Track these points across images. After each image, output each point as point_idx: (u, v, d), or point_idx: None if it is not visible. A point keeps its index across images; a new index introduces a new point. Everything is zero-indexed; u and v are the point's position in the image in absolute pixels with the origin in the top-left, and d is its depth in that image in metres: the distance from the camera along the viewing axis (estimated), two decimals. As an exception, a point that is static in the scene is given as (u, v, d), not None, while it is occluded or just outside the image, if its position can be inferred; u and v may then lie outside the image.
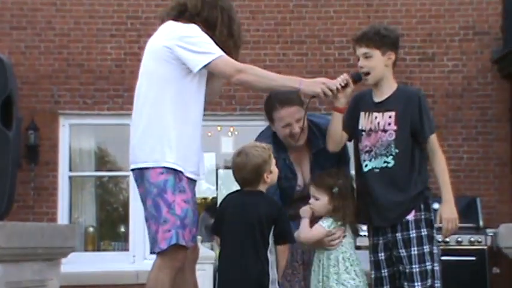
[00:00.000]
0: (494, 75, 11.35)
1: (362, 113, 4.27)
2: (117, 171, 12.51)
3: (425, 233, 4.38)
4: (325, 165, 5.11)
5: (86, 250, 11.43)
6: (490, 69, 11.44)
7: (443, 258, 10.18)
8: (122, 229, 11.95)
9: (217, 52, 4.77)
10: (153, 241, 4.84)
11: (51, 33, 11.43)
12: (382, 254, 4.35)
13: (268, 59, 11.33)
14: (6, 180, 4.85)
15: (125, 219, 11.81)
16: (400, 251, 4.32)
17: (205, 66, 4.77)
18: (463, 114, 11.54)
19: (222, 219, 4.77)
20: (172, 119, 4.86)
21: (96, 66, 11.45)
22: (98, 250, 11.83)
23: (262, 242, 4.58)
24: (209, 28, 4.95)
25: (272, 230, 4.63)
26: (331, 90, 4.63)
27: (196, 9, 4.97)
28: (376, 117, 4.27)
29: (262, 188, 4.66)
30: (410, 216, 4.28)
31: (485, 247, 10.12)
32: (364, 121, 4.28)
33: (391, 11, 11.40)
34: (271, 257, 4.60)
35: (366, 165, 4.25)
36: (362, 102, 4.34)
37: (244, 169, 4.66)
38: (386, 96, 4.34)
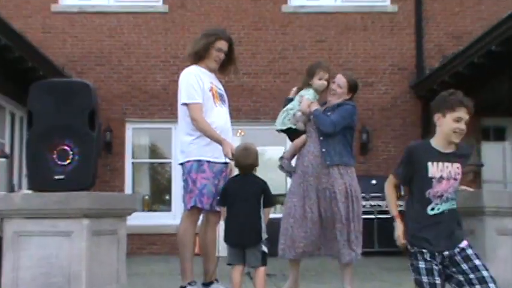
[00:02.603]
0: (411, 96, 13.66)
1: (429, 163, 3.96)
2: (163, 159, 14.11)
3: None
4: (326, 111, 5.80)
5: (143, 211, 12.87)
6: (408, 92, 13.69)
7: (381, 216, 12.21)
8: (167, 197, 13.46)
9: (191, 99, 5.53)
10: (184, 203, 5.62)
11: (121, 68, 13.61)
12: (438, 278, 3.99)
13: (264, 85, 13.25)
14: (91, 164, 4.80)
15: (168, 190, 13.49)
16: (463, 265, 3.99)
17: (185, 104, 5.56)
18: (391, 122, 13.61)
19: (226, 195, 5.29)
20: (193, 130, 5.61)
21: (150, 90, 13.52)
22: (151, 211, 13.36)
23: (258, 205, 5.19)
24: (203, 56, 5.71)
25: (262, 198, 5.23)
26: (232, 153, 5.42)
27: (191, 52, 5.78)
28: (447, 167, 3.99)
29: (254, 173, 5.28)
30: (465, 244, 4.01)
31: (404, 208, 10.52)
32: (434, 169, 3.98)
33: (345, 53, 13.70)
34: (263, 215, 5.22)
35: (439, 208, 3.95)
36: (425, 154, 4.00)
37: (249, 158, 5.30)
38: (453, 149, 4.05)
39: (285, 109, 5.92)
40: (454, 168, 4.04)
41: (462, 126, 3.99)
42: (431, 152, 4.01)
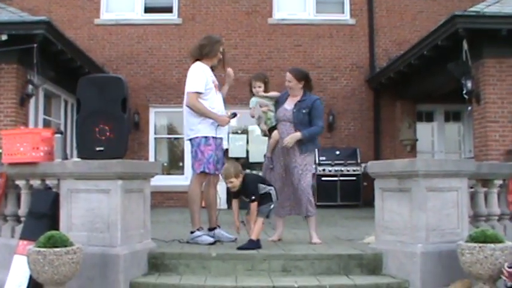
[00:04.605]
0: (366, 87, 13.69)
1: None
2: (177, 135, 13.52)
3: None
4: (301, 109, 5.52)
5: (163, 174, 12.30)
6: (364, 85, 13.72)
7: (343, 178, 12.32)
8: (180, 164, 13.56)
9: (195, 89, 5.36)
10: (193, 169, 5.54)
11: (146, 66, 13.56)
12: None
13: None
14: (124, 139, 4.73)
15: (181, 159, 13.52)
16: None
17: (187, 92, 5.39)
18: (351, 107, 13.64)
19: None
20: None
21: (168, 83, 13.38)
22: (169, 174, 13.34)
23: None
24: (209, 55, 5.50)
25: None
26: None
27: (200, 52, 5.53)
28: None
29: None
30: None
31: (360, 172, 12.43)
32: None
33: (316, 55, 13.60)
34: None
35: None
36: None
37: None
38: None
39: (256, 118, 5.73)
40: None
41: None
42: None
